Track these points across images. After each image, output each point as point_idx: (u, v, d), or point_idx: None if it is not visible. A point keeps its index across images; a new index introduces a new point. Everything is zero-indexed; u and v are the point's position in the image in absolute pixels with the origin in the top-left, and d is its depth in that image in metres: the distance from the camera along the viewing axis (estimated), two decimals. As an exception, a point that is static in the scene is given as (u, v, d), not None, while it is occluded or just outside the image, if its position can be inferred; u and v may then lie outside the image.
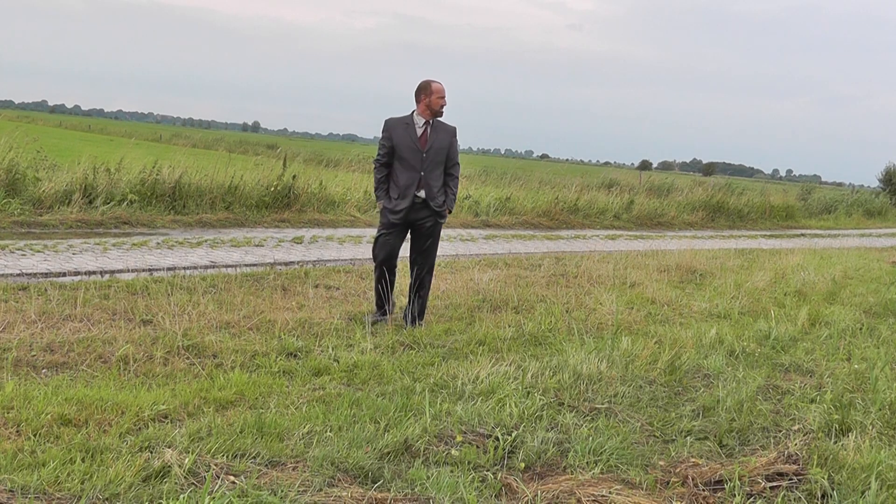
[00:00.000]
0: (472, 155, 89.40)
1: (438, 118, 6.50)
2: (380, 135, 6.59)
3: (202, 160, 14.76)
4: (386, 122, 6.50)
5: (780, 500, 3.64)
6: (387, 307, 6.69)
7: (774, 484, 3.79)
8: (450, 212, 6.64)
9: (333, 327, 6.30)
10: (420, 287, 6.70)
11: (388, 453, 3.90)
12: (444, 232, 14.47)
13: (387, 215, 6.47)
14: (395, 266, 6.72)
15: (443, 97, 6.40)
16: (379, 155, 6.50)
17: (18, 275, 7.50)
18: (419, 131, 6.41)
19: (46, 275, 7.62)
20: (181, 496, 3.24)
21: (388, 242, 6.53)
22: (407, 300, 6.88)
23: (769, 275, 10.67)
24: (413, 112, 6.47)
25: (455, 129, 6.64)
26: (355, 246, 11.52)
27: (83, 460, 3.54)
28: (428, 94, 6.40)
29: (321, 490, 3.49)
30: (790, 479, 3.81)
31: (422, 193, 6.44)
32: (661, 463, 4.09)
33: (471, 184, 20.80)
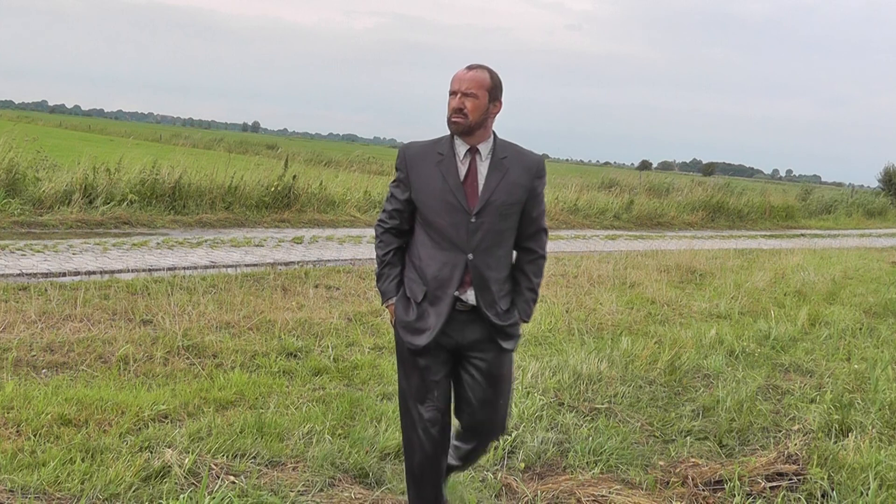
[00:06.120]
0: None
1: (507, 141, 3.17)
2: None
3: (202, 160, 14.77)
4: (402, 150, 3.20)
5: (780, 500, 3.65)
6: None
7: (774, 484, 3.79)
8: (525, 321, 3.22)
9: (333, 327, 6.29)
10: (468, 457, 3.40)
11: (389, 453, 3.90)
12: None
13: (401, 332, 3.15)
14: (447, 431, 3.20)
15: (456, 91, 3.03)
16: (384, 213, 3.22)
17: (18, 275, 7.50)
18: (462, 169, 3.09)
19: (46, 275, 7.61)
20: (181, 496, 3.25)
21: (422, 385, 3.13)
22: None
23: (769, 275, 10.68)
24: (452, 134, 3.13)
25: (541, 162, 3.20)
26: (355, 246, 11.52)
27: (83, 460, 3.54)
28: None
29: (321, 490, 3.49)
30: (790, 479, 3.82)
31: (469, 296, 3.09)
32: (661, 463, 4.09)
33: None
